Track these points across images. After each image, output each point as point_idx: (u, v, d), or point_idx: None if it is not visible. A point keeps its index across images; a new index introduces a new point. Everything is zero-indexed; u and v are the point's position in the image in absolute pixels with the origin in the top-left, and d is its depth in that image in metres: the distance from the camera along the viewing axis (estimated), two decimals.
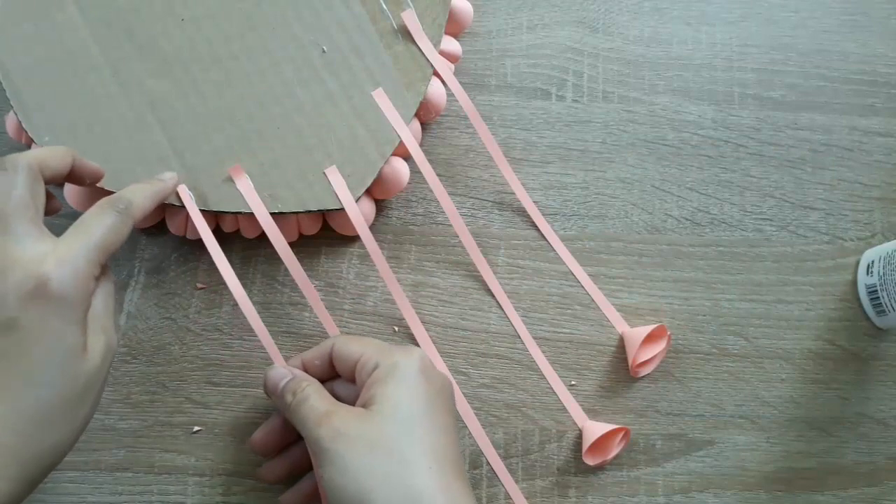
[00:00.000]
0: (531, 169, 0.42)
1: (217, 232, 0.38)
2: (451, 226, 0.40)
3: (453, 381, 0.34)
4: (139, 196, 0.32)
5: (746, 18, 0.45)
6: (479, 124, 0.40)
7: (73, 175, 0.32)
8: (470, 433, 0.38)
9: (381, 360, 0.31)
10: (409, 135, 0.38)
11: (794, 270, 0.42)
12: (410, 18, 0.39)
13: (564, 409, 0.39)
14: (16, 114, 0.37)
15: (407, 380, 0.31)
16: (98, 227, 0.29)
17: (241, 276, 0.39)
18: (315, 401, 0.31)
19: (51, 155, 0.30)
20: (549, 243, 0.41)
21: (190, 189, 0.36)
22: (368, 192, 0.38)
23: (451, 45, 0.41)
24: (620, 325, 0.40)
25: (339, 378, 0.34)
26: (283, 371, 0.33)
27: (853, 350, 0.41)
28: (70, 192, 0.37)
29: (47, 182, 0.30)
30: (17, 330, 0.26)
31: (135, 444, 0.37)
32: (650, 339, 0.39)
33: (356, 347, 0.33)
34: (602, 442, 0.37)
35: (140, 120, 0.37)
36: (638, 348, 0.38)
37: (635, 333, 0.38)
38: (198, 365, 0.38)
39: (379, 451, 0.29)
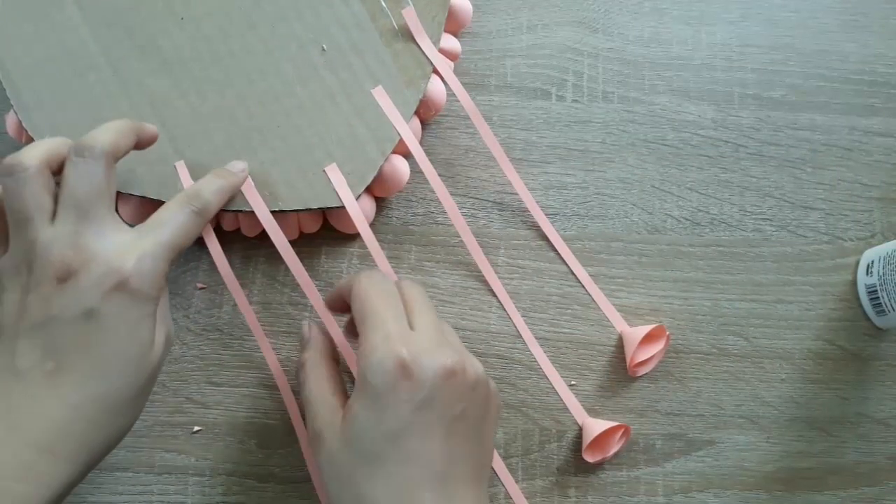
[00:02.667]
0: (531, 169, 0.42)
1: (217, 230, 0.38)
2: (451, 226, 0.40)
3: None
4: (214, 195, 0.33)
5: (746, 18, 0.45)
6: (479, 121, 0.40)
7: (138, 146, 0.32)
8: None
9: (360, 363, 0.28)
10: (409, 132, 0.38)
11: (793, 270, 0.42)
12: (410, 16, 0.39)
13: (564, 409, 0.39)
14: (16, 113, 0.37)
15: (374, 403, 0.27)
16: (175, 225, 0.30)
17: (241, 276, 0.39)
18: (308, 389, 0.31)
19: (121, 136, 0.30)
20: (549, 243, 0.41)
21: None
22: (368, 190, 0.38)
23: (450, 43, 0.41)
24: (620, 325, 0.40)
25: None
26: (304, 331, 0.34)
27: (853, 350, 0.41)
28: None
29: (116, 159, 0.30)
30: (96, 320, 0.27)
31: (135, 444, 0.37)
32: (649, 338, 0.39)
33: (358, 317, 0.29)
34: (602, 439, 0.38)
35: (140, 119, 0.37)
36: (636, 348, 0.38)
37: (634, 333, 0.38)
38: (198, 365, 0.38)
39: (342, 482, 0.27)
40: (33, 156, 0.28)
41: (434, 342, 0.28)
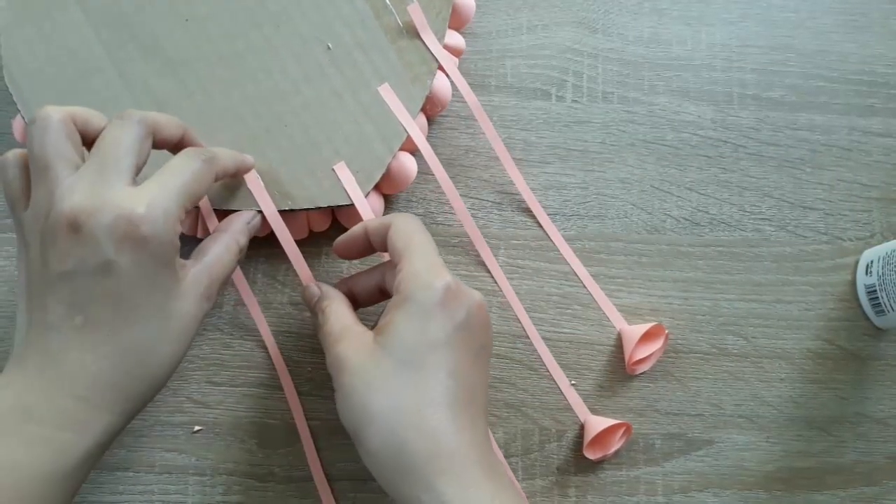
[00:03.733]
0: (531, 169, 0.42)
1: None
2: (451, 226, 0.40)
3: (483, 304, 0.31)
4: (221, 151, 0.33)
5: (746, 18, 0.46)
6: (482, 117, 0.40)
7: (180, 146, 0.33)
8: None
9: (403, 284, 0.30)
10: (416, 129, 0.38)
11: (793, 270, 0.42)
12: (415, 12, 0.39)
13: (564, 409, 0.39)
14: (23, 117, 0.37)
15: (419, 314, 0.29)
16: (184, 172, 0.30)
17: None
18: (332, 322, 0.31)
19: (165, 122, 0.31)
20: (550, 242, 0.41)
21: None
22: (377, 187, 0.38)
23: (454, 38, 0.41)
24: (619, 323, 0.40)
25: None
26: (314, 290, 0.34)
27: (852, 350, 0.41)
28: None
29: (156, 145, 0.31)
30: (114, 271, 0.27)
31: (135, 444, 0.37)
32: (648, 337, 0.39)
33: (400, 246, 0.31)
34: (603, 437, 0.38)
35: None
36: (635, 346, 0.38)
37: (632, 331, 0.39)
38: (198, 365, 0.38)
39: (374, 390, 0.28)
40: (59, 108, 0.29)
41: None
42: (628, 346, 0.38)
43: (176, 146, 0.32)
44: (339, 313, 0.32)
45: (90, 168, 0.28)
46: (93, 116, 0.30)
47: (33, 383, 0.27)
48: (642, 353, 0.39)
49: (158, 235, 0.28)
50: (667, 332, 0.39)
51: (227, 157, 0.34)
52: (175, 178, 0.29)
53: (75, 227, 0.27)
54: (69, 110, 0.29)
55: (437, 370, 0.28)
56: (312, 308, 0.34)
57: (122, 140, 0.29)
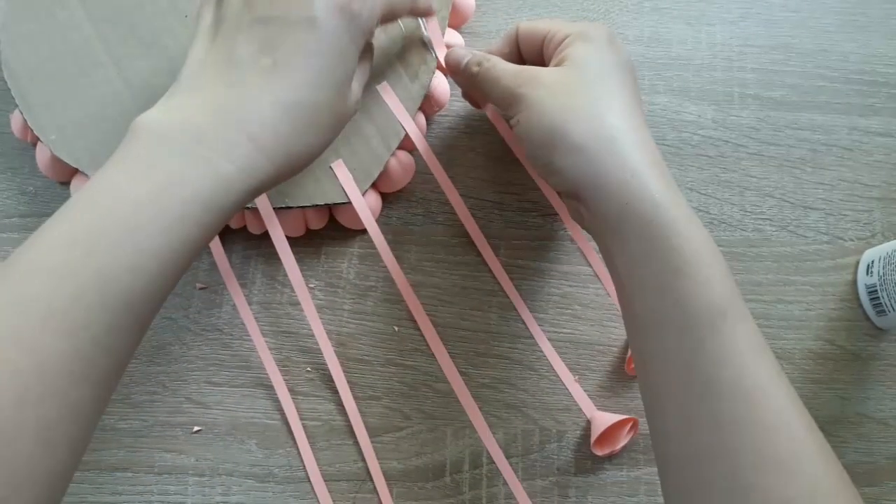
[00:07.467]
0: (531, 169, 0.42)
1: (224, 227, 0.38)
2: (451, 226, 0.40)
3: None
4: None
5: (746, 18, 0.45)
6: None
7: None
8: (474, 431, 0.38)
9: (570, 29, 0.33)
10: (414, 127, 0.38)
11: (794, 270, 0.42)
12: None
13: (564, 409, 0.39)
14: (21, 112, 0.37)
15: (597, 43, 0.32)
16: None
17: (240, 276, 0.39)
18: (504, 63, 0.33)
19: None
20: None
21: None
22: (375, 185, 0.38)
23: (454, 37, 0.41)
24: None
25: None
26: (461, 51, 0.36)
27: (853, 350, 0.41)
28: (42, 160, 0.38)
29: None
30: (317, 31, 0.28)
31: (135, 445, 0.37)
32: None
33: (542, 24, 0.34)
34: (611, 433, 0.38)
35: None
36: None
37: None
38: (198, 365, 0.38)
39: (575, 92, 0.30)
40: None
41: None
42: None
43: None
44: (503, 62, 0.34)
45: None
46: None
47: (208, 109, 0.27)
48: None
49: (364, 17, 0.29)
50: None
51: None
52: None
53: None
54: None
55: (624, 86, 0.31)
56: (465, 64, 0.35)
57: None
